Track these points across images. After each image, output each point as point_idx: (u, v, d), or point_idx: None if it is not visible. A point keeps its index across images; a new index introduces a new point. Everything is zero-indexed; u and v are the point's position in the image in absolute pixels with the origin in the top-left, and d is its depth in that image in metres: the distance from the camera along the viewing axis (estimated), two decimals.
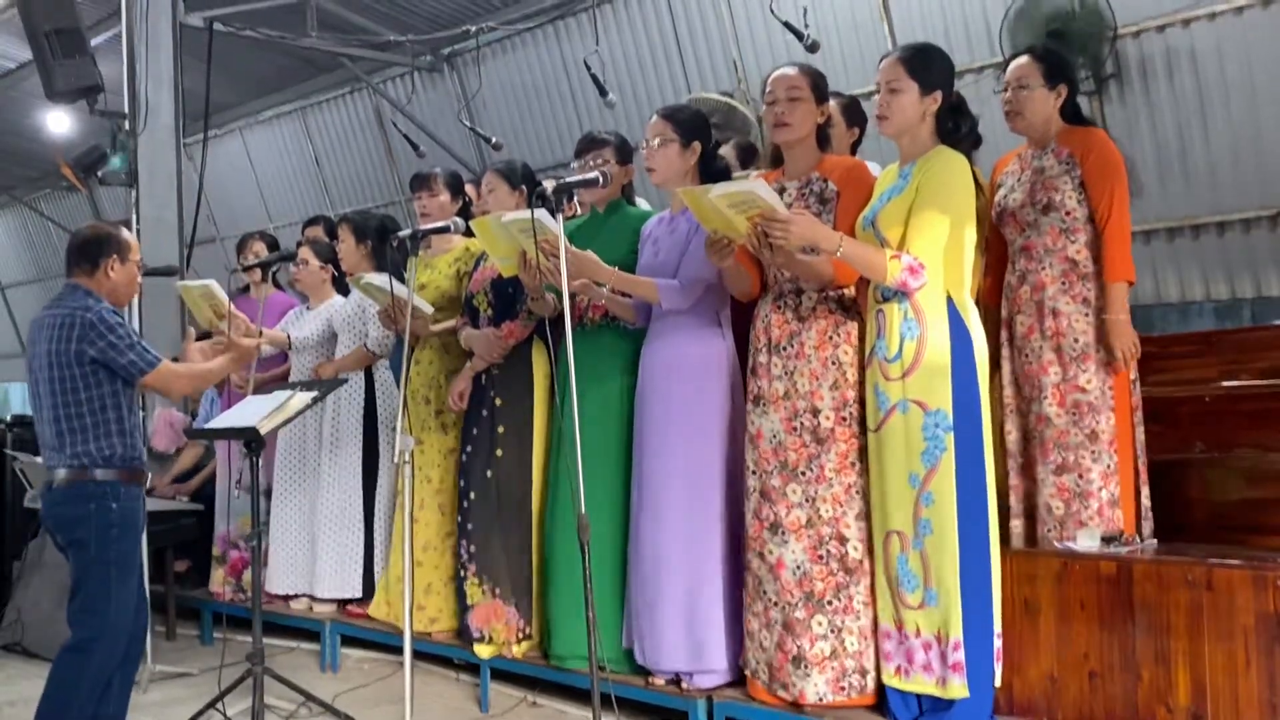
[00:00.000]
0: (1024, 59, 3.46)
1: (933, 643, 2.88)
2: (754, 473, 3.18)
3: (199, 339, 5.36)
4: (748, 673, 3.23)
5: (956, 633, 2.83)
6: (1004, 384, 3.44)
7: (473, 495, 3.94)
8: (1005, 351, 3.45)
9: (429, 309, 4.14)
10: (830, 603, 3.05)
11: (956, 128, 3.03)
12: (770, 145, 3.35)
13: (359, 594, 4.62)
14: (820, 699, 3.04)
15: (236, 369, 3.76)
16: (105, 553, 3.21)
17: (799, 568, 3.07)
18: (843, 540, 3.06)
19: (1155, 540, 3.27)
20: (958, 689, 2.83)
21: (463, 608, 3.93)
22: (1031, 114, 3.42)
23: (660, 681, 3.40)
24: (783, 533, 3.09)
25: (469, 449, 3.99)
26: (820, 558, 3.06)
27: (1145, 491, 3.34)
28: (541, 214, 3.10)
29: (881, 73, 3.03)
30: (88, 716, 3.19)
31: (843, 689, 3.04)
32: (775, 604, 3.11)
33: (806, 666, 3.04)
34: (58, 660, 3.21)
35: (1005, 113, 3.47)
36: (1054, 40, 6.17)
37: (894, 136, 3.06)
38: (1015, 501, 3.41)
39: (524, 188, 4.02)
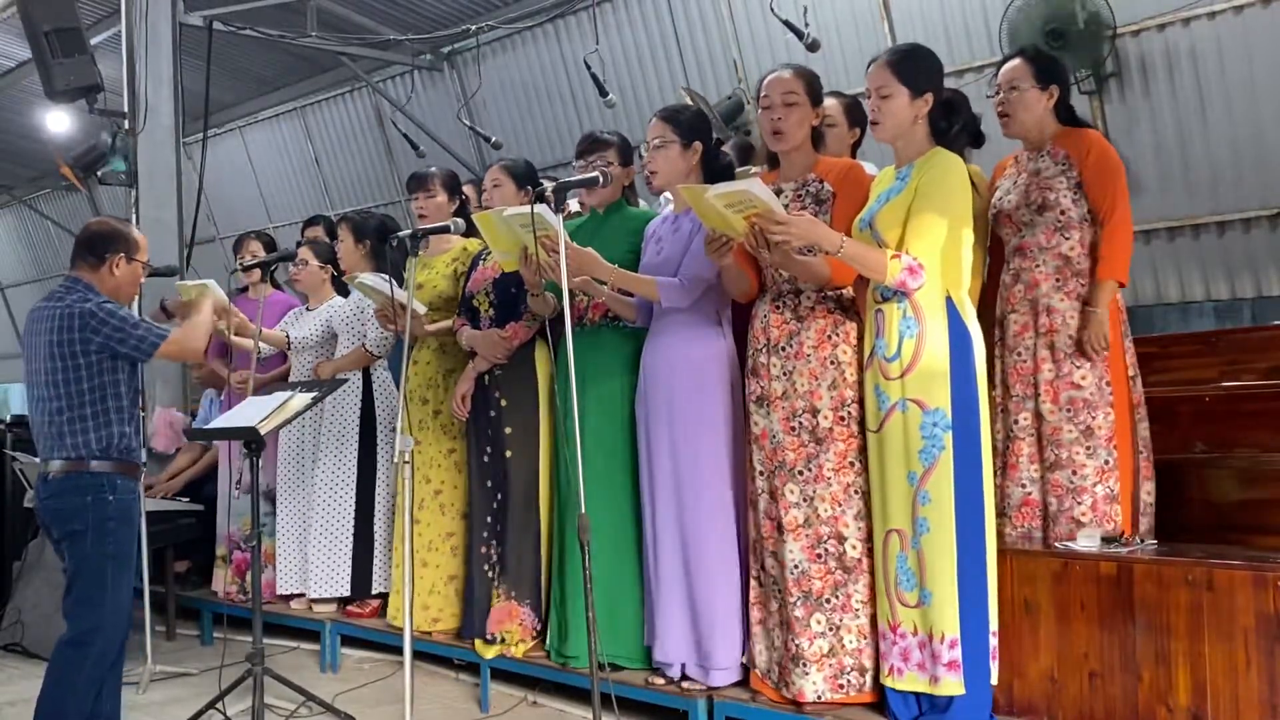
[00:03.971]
0: (1015, 61, 3.47)
1: (926, 641, 2.88)
2: (761, 473, 3.18)
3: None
4: (755, 671, 3.23)
5: (953, 631, 2.84)
6: (994, 383, 3.44)
7: (499, 497, 3.94)
8: (996, 351, 3.45)
9: (421, 309, 4.13)
10: (828, 601, 3.05)
11: (950, 126, 3.03)
12: (766, 148, 3.35)
13: (348, 593, 4.63)
14: (819, 696, 3.04)
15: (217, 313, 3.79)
16: (103, 545, 3.21)
17: (797, 566, 3.07)
18: (841, 539, 3.06)
19: (1154, 539, 3.27)
20: (953, 686, 2.83)
21: (484, 610, 3.92)
22: (1024, 116, 3.42)
23: (660, 681, 3.40)
24: (784, 532, 3.09)
25: (488, 451, 3.99)
26: (818, 557, 3.06)
27: (1148, 488, 3.34)
28: (542, 208, 3.12)
29: (870, 78, 3.01)
30: (86, 712, 3.19)
31: (841, 686, 3.05)
32: (782, 603, 3.11)
33: (805, 664, 3.04)
34: (55, 655, 3.21)
35: (999, 115, 3.47)
36: (1053, 39, 6.18)
37: (888, 141, 3.06)
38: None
39: (530, 187, 4.01)
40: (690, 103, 5.36)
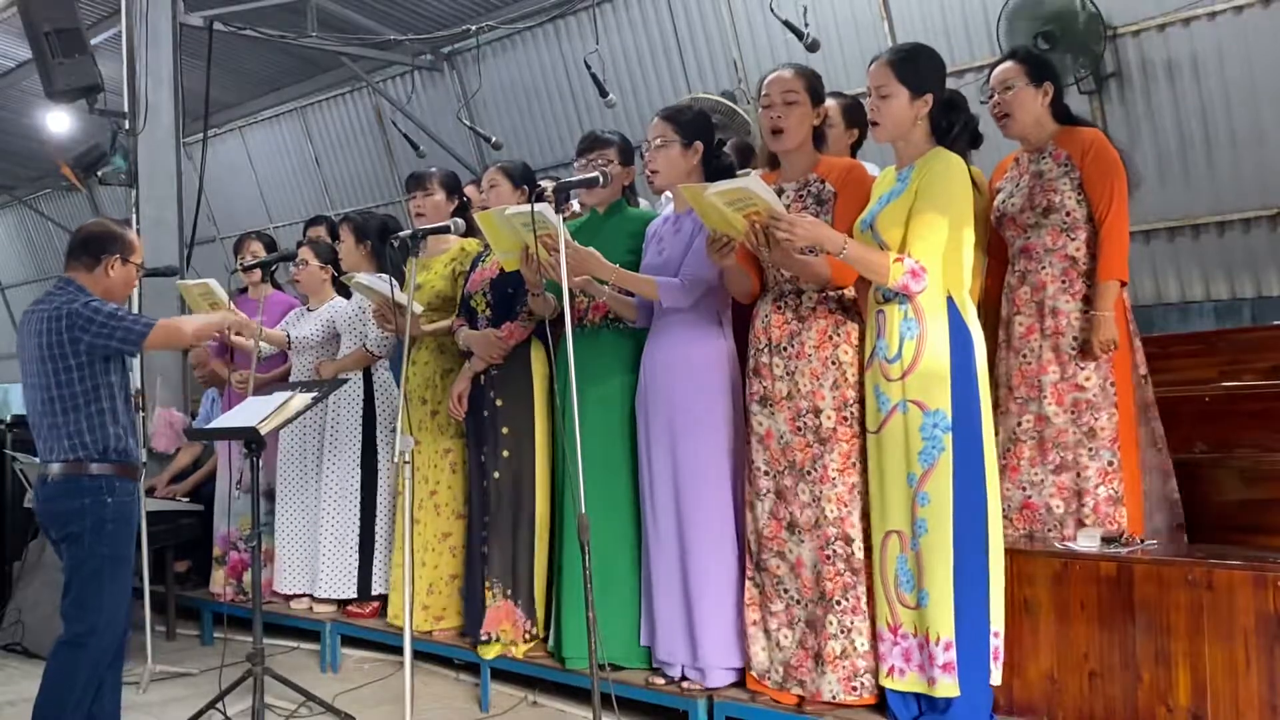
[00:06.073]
0: (1006, 63, 3.50)
1: (924, 643, 2.88)
2: (767, 473, 3.18)
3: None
4: (752, 672, 3.23)
5: (948, 633, 2.84)
6: (999, 384, 3.44)
7: (490, 498, 3.94)
8: (1001, 353, 3.45)
9: (417, 308, 4.13)
10: (839, 603, 3.05)
11: (950, 126, 3.03)
12: (766, 148, 3.34)
13: (355, 594, 4.63)
14: (834, 698, 3.05)
15: (225, 324, 3.77)
16: (99, 547, 3.21)
17: (814, 567, 3.08)
18: (848, 540, 3.06)
19: (1184, 536, 3.28)
20: (948, 688, 2.83)
21: (479, 610, 3.92)
22: (1020, 114, 3.42)
23: (660, 681, 3.40)
24: (799, 532, 3.10)
25: (484, 450, 3.98)
26: (828, 558, 3.06)
27: (1172, 485, 3.36)
28: (543, 207, 3.12)
29: (871, 77, 3.01)
30: (84, 713, 3.19)
31: (854, 689, 3.05)
32: (798, 601, 3.12)
33: (823, 664, 3.05)
34: (52, 656, 3.21)
35: (995, 117, 3.47)
36: (1046, 40, 6.19)
37: (888, 141, 3.06)
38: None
39: (526, 187, 4.01)
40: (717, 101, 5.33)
